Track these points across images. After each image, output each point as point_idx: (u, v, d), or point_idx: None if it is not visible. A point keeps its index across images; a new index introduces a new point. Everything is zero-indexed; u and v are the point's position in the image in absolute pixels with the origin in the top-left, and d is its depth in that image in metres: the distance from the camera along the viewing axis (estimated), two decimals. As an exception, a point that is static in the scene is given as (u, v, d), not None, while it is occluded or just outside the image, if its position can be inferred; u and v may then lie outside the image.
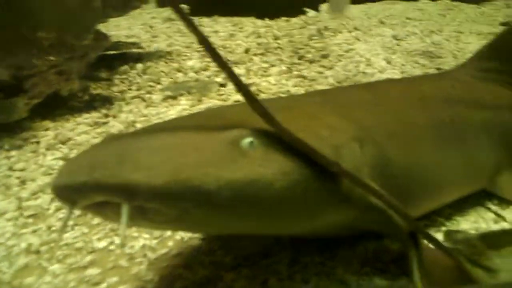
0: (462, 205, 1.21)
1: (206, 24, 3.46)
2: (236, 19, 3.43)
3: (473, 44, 2.71)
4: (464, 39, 2.84)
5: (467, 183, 1.21)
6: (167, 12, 3.86)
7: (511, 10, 3.90)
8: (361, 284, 1.02)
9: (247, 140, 0.83)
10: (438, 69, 2.29)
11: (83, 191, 0.77)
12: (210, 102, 2.01)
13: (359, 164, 0.95)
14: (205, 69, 2.39)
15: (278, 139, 0.86)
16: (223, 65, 0.80)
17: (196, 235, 1.21)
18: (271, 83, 2.19)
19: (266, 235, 1.04)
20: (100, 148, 0.85)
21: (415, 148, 1.10)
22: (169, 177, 0.76)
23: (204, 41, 0.78)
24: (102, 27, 2.39)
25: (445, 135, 1.16)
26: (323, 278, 1.04)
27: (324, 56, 2.49)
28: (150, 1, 2.64)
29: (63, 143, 1.67)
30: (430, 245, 0.96)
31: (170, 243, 1.19)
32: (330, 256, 1.11)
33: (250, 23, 3.31)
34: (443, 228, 1.15)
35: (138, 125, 1.82)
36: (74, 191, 0.78)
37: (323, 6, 3.46)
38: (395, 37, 2.86)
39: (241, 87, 0.81)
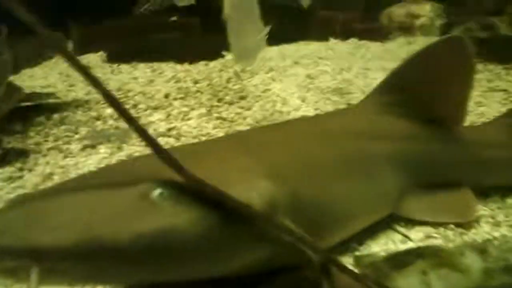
0: (373, 229, 1.30)
1: (125, 70, 3.47)
2: (155, 64, 3.47)
3: (379, 79, 2.90)
4: (371, 75, 3.05)
5: (376, 210, 1.30)
6: (85, 60, 3.83)
7: (413, 47, 4.24)
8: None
9: (157, 191, 0.86)
10: (348, 104, 2.44)
11: None
12: (131, 148, 2.01)
13: (271, 203, 0.99)
14: (124, 116, 2.39)
15: (186, 189, 0.88)
16: (126, 116, 0.82)
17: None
18: (191, 127, 2.23)
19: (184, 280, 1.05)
20: (7, 212, 0.85)
21: (323, 183, 1.17)
22: (78, 236, 0.77)
23: (104, 92, 0.79)
24: (15, 78, 2.34)
25: (351, 168, 1.25)
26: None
27: (242, 98, 2.58)
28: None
29: (-26, 201, 1.59)
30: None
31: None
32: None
33: (169, 68, 3.36)
34: (356, 253, 1.22)
35: (56, 177, 1.78)
36: None
37: (229, 55, 3.39)
38: (308, 76, 3.02)
39: (147, 138, 0.83)
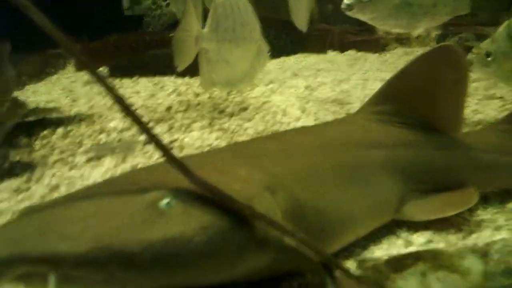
0: (375, 235, 1.33)
1: (127, 85, 3.53)
2: (156, 78, 3.53)
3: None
4: (369, 86, 3.10)
5: (376, 216, 1.34)
6: (87, 75, 3.89)
7: (409, 57, 4.30)
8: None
9: (165, 200, 0.91)
10: (347, 113, 2.49)
11: (9, 264, 0.81)
12: (134, 160, 2.04)
13: (272, 210, 1.04)
14: (128, 129, 2.43)
15: (194, 196, 0.94)
16: (141, 124, 0.87)
17: None
18: (194, 138, 2.27)
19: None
20: (22, 220, 0.91)
21: (323, 191, 1.21)
22: (92, 244, 0.82)
23: (119, 100, 0.84)
24: (19, 94, 2.38)
25: (349, 175, 1.29)
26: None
27: (243, 109, 2.63)
28: (67, 66, 2.66)
29: (-17, 213, 1.63)
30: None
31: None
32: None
33: (170, 82, 3.41)
34: (358, 257, 1.25)
35: (63, 188, 1.81)
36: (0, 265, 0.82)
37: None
38: (308, 88, 3.07)
39: (158, 144, 0.88)
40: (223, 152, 1.33)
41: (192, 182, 0.92)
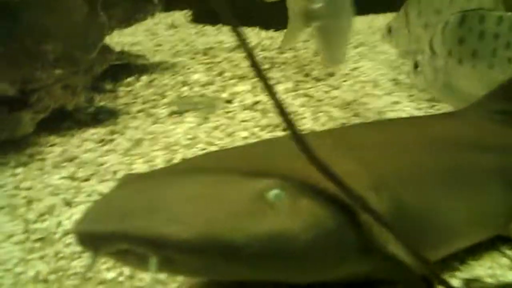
0: (476, 250, 1.21)
1: (209, 32, 3.45)
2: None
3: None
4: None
5: (481, 229, 1.21)
6: (170, 18, 3.84)
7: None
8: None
9: (274, 192, 0.85)
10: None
11: (110, 240, 0.77)
12: (218, 120, 2.00)
13: (382, 211, 0.94)
14: (211, 83, 2.38)
15: (303, 189, 0.88)
16: (270, 90, 0.84)
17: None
18: (277, 102, 2.18)
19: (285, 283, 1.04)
20: (126, 192, 0.86)
21: (428, 194, 1.09)
22: (200, 231, 0.78)
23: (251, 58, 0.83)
24: (107, 37, 2.37)
25: (457, 179, 1.16)
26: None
27: (330, 75, 2.48)
28: (156, 12, 2.61)
29: (69, 161, 1.65)
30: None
31: (180, 278, 1.18)
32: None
33: (254, 34, 3.29)
34: (457, 273, 1.14)
35: (145, 143, 1.80)
36: (99, 240, 0.79)
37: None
38: (402, 56, 2.86)
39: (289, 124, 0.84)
40: (323, 137, 1.23)
41: (312, 164, 0.85)
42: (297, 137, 0.85)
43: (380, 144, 1.14)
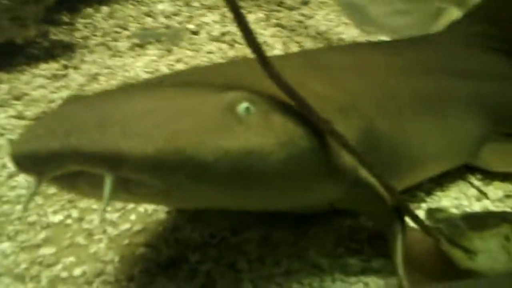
0: (443, 180, 1.15)
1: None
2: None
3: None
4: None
5: (450, 156, 1.15)
6: None
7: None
8: (335, 267, 0.96)
9: (244, 105, 0.75)
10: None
11: (56, 160, 0.66)
12: (181, 52, 1.87)
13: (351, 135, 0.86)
14: (176, 14, 2.22)
15: (274, 105, 0.79)
16: (237, 13, 0.72)
17: (161, 207, 1.13)
18: (247, 32, 2.05)
19: (249, 210, 0.97)
20: (71, 110, 0.73)
21: (399, 120, 1.02)
22: (163, 145, 0.67)
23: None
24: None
25: (429, 105, 1.09)
26: (294, 261, 0.98)
27: (305, 3, 2.33)
28: None
29: (17, 98, 1.53)
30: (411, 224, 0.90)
31: (133, 217, 1.11)
32: (302, 234, 1.04)
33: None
34: (423, 205, 1.09)
35: (102, 78, 1.68)
36: (43, 161, 0.67)
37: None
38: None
39: (253, 43, 0.73)
40: (292, 59, 1.13)
41: (276, 84, 0.76)
42: (261, 56, 0.74)
43: (351, 67, 1.05)
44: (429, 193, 1.13)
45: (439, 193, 1.13)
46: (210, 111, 0.73)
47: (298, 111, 0.80)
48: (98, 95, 0.84)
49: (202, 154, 0.69)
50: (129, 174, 0.67)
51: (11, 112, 1.47)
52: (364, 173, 0.87)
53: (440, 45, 1.24)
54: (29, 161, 0.68)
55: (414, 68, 1.13)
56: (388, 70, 1.09)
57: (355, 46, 1.47)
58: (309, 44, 1.95)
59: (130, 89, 0.84)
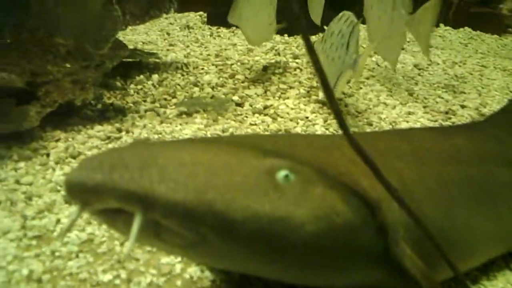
0: (488, 268, 1.15)
1: (224, 35, 3.42)
2: (254, 32, 3.37)
3: (498, 81, 2.65)
4: (488, 75, 2.77)
5: (499, 245, 1.15)
6: (184, 19, 3.81)
7: (533, 44, 3.83)
8: None
9: (283, 172, 0.78)
10: (462, 106, 2.22)
11: (98, 192, 0.70)
12: (226, 122, 1.95)
13: (395, 222, 0.89)
14: (222, 85, 2.34)
15: (315, 176, 0.80)
16: (326, 88, 0.78)
17: (206, 274, 1.15)
18: (289, 107, 2.13)
19: (281, 281, 0.98)
20: (125, 150, 0.78)
21: (449, 207, 1.04)
22: (194, 194, 0.70)
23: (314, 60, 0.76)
24: (120, 33, 2.34)
25: (478, 193, 1.10)
26: None
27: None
28: (171, 10, 2.57)
29: (73, 157, 1.61)
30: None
31: (179, 282, 1.13)
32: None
33: (269, 38, 3.24)
34: (470, 293, 1.09)
35: (151, 143, 1.76)
36: (88, 190, 0.71)
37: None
38: (416, 66, 2.80)
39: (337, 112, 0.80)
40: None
41: (355, 150, 0.81)
42: (348, 134, 0.80)
43: (405, 153, 1.08)
44: (475, 281, 1.12)
45: (485, 282, 1.12)
46: (248, 172, 0.76)
47: (345, 185, 0.81)
48: (162, 142, 0.90)
49: (231, 210, 0.71)
50: (159, 218, 0.70)
51: (67, 170, 1.55)
52: (408, 263, 0.86)
53: (486, 133, 1.28)
54: (77, 189, 0.73)
55: (464, 156, 1.15)
56: (439, 156, 1.12)
57: (407, 131, 1.52)
58: (349, 121, 2.01)
59: (187, 141, 0.89)
